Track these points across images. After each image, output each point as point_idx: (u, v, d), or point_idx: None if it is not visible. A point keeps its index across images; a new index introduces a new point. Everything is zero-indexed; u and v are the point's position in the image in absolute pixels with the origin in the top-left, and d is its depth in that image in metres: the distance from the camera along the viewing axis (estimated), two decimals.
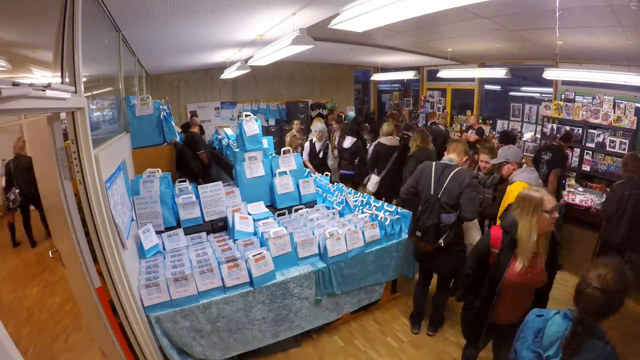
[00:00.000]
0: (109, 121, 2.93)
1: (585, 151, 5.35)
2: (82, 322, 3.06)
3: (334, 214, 3.21)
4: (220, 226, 3.04)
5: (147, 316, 2.17)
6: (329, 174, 4.37)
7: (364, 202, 3.44)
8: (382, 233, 2.99)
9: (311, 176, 3.94)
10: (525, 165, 3.09)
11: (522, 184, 2.60)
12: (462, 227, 2.71)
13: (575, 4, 2.89)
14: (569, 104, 5.56)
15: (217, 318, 2.37)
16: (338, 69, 9.09)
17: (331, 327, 2.98)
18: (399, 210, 3.17)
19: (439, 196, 2.56)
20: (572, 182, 4.99)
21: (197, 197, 2.96)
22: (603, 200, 3.74)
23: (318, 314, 2.80)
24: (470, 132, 6.45)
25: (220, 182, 3.10)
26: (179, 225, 2.89)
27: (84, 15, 1.71)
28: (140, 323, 2.06)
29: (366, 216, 3.05)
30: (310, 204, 3.36)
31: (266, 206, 3.18)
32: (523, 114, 6.57)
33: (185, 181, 3.17)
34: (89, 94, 2.08)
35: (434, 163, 2.69)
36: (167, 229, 2.85)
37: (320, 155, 5.01)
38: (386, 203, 3.35)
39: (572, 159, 5.32)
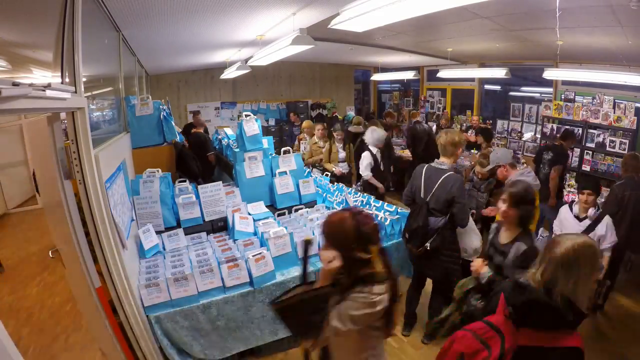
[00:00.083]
0: (109, 121, 2.93)
1: (585, 151, 5.35)
2: (82, 322, 3.06)
3: None
4: (220, 226, 3.04)
5: (147, 316, 2.17)
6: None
7: (364, 202, 3.44)
8: (382, 233, 2.98)
9: (311, 176, 3.93)
10: (525, 165, 3.09)
11: None
12: (458, 231, 2.67)
13: (575, 4, 2.89)
14: (569, 104, 5.55)
15: (216, 317, 2.37)
16: (338, 69, 9.07)
17: None
18: (398, 210, 3.17)
19: (427, 200, 2.56)
20: (572, 182, 4.99)
21: (197, 197, 2.96)
22: (603, 200, 3.74)
23: None
24: (470, 132, 6.45)
25: (220, 182, 3.10)
26: (179, 225, 2.89)
27: (84, 15, 1.71)
28: (140, 323, 2.06)
29: None
30: (310, 204, 3.36)
31: (266, 206, 3.18)
32: (523, 114, 6.56)
33: (185, 181, 3.17)
34: (89, 94, 2.08)
35: (425, 167, 2.66)
36: (167, 229, 2.85)
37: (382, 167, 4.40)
38: (386, 203, 3.35)
39: (572, 159, 5.32)
